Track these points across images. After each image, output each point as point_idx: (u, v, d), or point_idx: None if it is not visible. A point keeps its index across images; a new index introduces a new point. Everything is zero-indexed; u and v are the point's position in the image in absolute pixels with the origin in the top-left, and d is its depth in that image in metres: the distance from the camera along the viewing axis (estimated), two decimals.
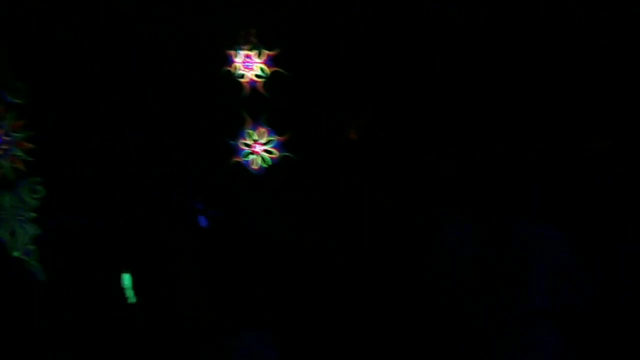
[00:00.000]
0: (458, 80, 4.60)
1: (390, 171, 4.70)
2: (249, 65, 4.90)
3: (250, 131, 4.94)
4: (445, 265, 2.43)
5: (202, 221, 4.53)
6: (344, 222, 4.73)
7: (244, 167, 4.92)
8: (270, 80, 4.93)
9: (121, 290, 4.27)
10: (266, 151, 4.95)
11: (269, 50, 4.93)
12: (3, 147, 4.59)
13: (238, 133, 4.94)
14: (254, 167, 4.93)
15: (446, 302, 2.41)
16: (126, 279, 4.29)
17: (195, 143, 4.85)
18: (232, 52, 4.91)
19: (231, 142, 4.95)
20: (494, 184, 2.40)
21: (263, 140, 4.94)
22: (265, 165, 4.94)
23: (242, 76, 4.90)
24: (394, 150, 4.76)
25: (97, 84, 4.80)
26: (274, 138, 4.95)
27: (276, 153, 4.95)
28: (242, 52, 4.90)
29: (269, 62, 4.92)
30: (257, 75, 4.91)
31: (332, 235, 4.65)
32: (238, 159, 4.93)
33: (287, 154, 4.96)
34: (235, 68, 4.91)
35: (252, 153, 4.94)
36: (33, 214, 4.62)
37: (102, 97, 4.82)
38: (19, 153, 4.64)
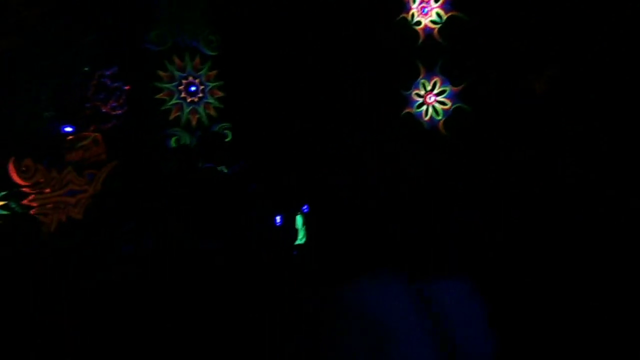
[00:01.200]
0: None
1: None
2: (426, 10, 4.66)
3: (424, 81, 4.75)
4: None
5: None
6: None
7: (415, 119, 4.77)
8: (446, 26, 4.64)
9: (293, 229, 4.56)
10: (439, 102, 4.73)
11: None
12: (199, 95, 5.11)
13: (411, 83, 4.79)
14: (426, 118, 4.75)
15: None
16: (299, 220, 4.56)
17: (369, 94, 4.83)
18: None
19: (404, 92, 4.82)
20: None
21: (436, 91, 4.72)
22: (437, 117, 4.73)
23: (419, 23, 4.69)
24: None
25: (280, 37, 5.02)
26: (448, 88, 4.69)
27: (449, 104, 4.70)
28: None
29: (447, 5, 4.62)
30: (432, 22, 4.65)
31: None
32: (410, 110, 4.80)
33: (462, 105, 4.67)
34: (412, 15, 4.71)
35: (425, 104, 4.76)
36: None
37: (286, 50, 5.05)
38: (212, 101, 5.14)
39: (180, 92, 5.06)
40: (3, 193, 4.37)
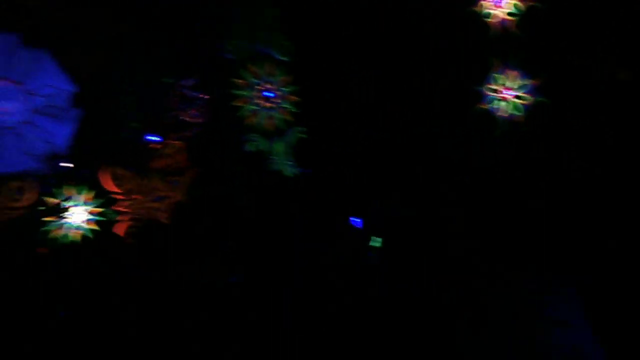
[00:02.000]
0: None
1: None
2: (499, 2, 4.48)
3: (498, 75, 4.57)
4: None
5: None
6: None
7: (490, 115, 4.60)
8: (525, 17, 4.43)
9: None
10: (517, 97, 4.53)
11: None
12: (275, 100, 5.25)
13: (484, 78, 4.62)
14: (502, 114, 4.57)
15: None
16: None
17: (436, 89, 4.72)
18: None
19: (475, 87, 4.66)
20: None
21: (513, 85, 4.52)
22: (516, 113, 4.53)
23: (489, 15, 4.51)
24: None
25: (350, 41, 5.05)
26: (527, 82, 4.48)
27: (529, 99, 4.49)
28: None
29: None
30: (507, 13, 4.46)
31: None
32: (484, 106, 4.64)
33: (542, 99, 4.45)
34: (482, 7, 4.54)
35: (500, 99, 4.58)
36: None
37: (356, 53, 5.07)
38: (287, 105, 5.26)
39: (256, 98, 5.23)
40: (101, 201, 4.74)
